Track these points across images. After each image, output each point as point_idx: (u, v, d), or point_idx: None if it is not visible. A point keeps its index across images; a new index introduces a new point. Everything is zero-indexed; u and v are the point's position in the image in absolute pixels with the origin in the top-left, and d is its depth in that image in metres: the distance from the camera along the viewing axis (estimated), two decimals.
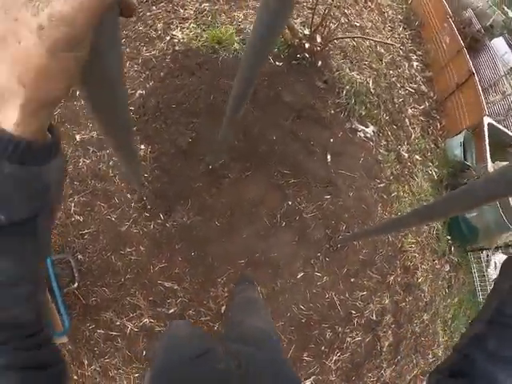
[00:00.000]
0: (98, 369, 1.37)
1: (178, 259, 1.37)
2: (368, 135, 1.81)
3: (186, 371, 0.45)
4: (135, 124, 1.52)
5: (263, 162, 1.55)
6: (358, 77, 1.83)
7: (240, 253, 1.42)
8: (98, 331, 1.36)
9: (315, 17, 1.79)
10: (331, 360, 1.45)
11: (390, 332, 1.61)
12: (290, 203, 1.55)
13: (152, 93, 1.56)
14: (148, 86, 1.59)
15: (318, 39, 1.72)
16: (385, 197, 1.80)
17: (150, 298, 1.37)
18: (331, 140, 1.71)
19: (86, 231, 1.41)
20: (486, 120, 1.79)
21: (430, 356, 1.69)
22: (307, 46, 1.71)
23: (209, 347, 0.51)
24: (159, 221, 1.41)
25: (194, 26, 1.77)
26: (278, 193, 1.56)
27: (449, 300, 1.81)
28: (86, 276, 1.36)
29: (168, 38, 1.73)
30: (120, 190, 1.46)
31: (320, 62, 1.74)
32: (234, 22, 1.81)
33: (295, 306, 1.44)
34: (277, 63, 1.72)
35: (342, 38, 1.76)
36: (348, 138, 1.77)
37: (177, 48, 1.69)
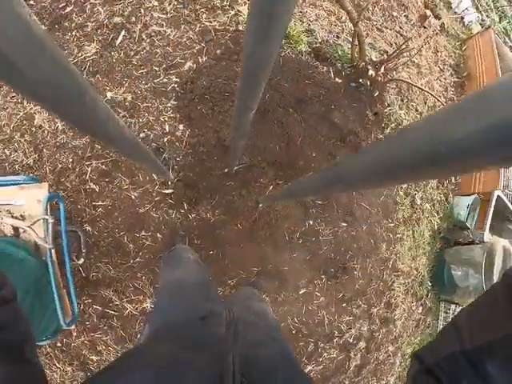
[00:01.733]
0: (86, 341, 1.33)
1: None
2: None
3: (192, 332, 0.44)
4: (178, 99, 1.38)
5: (296, 175, 1.53)
6: (404, 117, 1.84)
7: (255, 260, 1.43)
8: (94, 307, 1.31)
9: (384, 44, 1.73)
10: (306, 369, 1.58)
11: (359, 355, 1.78)
12: (310, 223, 1.57)
13: (204, 71, 1.42)
14: (201, 60, 1.44)
15: (382, 69, 1.68)
16: (391, 236, 1.91)
17: (157, 286, 1.33)
18: None
19: (100, 203, 1.30)
20: (496, 193, 1.94)
21: (384, 382, 1.91)
22: (370, 72, 1.66)
23: (212, 309, 0.51)
24: (182, 210, 1.35)
25: None
26: (302, 210, 1.57)
27: (412, 338, 2.03)
28: (91, 249, 1.28)
29: (233, 12, 1.55)
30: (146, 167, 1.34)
31: (376, 93, 1.71)
32: (305, 20, 1.68)
33: (290, 318, 1.52)
34: (337, 79, 1.65)
35: (406, 82, 1.73)
36: None
37: (240, 28, 1.53)
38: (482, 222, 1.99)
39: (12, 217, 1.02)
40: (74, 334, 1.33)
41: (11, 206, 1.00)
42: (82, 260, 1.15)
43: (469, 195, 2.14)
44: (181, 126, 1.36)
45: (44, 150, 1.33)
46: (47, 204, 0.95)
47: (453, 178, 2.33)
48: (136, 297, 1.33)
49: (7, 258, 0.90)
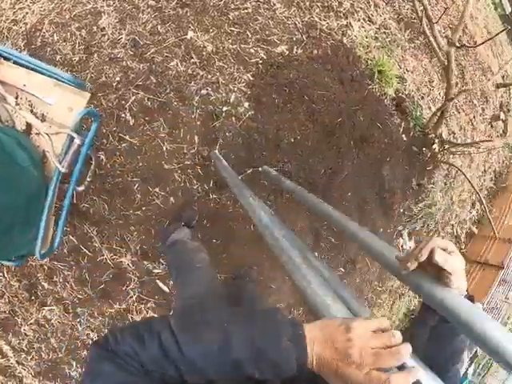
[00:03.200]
0: (45, 266, 1.20)
1: (198, 235, 1.22)
2: (404, 247, 1.87)
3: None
4: (256, 76, 1.26)
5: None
6: (440, 201, 1.85)
7: (251, 264, 1.34)
8: (70, 237, 1.17)
9: (455, 125, 1.73)
10: None
11: None
12: (315, 254, 1.52)
13: (295, 63, 1.32)
14: (295, 51, 1.34)
15: (446, 146, 1.67)
16: (373, 299, 1.91)
17: (144, 247, 1.20)
18: (381, 230, 1.71)
19: (128, 139, 1.15)
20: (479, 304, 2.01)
21: None
22: (435, 147, 1.64)
23: None
24: (206, 187, 1.24)
25: (373, 34, 1.53)
26: (312, 238, 1.51)
27: None
28: (95, 180, 1.13)
29: (344, 22, 1.47)
30: (193, 125, 1.21)
31: (430, 167, 1.70)
32: (403, 66, 1.63)
33: None
34: (403, 136, 1.61)
35: (462, 172, 1.73)
36: (390, 238, 1.80)
37: (344, 40, 1.45)
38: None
39: (31, 112, 0.85)
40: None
41: (37, 99, 0.83)
42: (83, 188, 1.00)
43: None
44: (246, 104, 1.24)
45: (95, 55, 1.15)
46: (80, 119, 0.78)
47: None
48: (118, 247, 1.19)
49: (9, 154, 0.74)
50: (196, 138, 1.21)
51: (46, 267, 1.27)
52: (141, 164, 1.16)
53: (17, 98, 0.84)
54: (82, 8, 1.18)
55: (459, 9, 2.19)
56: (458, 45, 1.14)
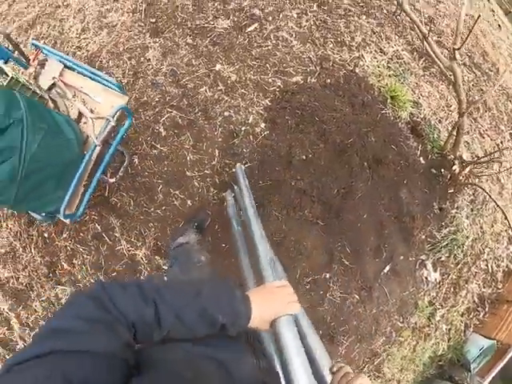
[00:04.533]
0: (68, 248, 1.35)
1: (208, 238, 1.29)
2: (429, 278, 1.71)
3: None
4: (273, 101, 1.42)
5: (339, 225, 1.45)
6: (467, 228, 1.72)
7: None
8: (96, 225, 1.32)
9: (480, 149, 1.67)
10: None
11: None
12: (327, 276, 1.47)
13: (308, 90, 1.46)
14: (309, 80, 1.49)
15: (467, 169, 1.60)
16: (393, 335, 1.72)
17: (158, 243, 1.30)
18: (401, 257, 1.60)
19: (158, 147, 1.33)
20: None
21: None
22: (455, 168, 1.59)
23: None
24: (221, 195, 1.33)
25: (385, 64, 1.64)
26: (327, 259, 1.47)
27: None
28: (126, 178, 1.30)
29: (356, 54, 1.61)
30: (214, 141, 1.37)
31: (452, 190, 1.62)
32: (417, 92, 1.68)
33: None
34: (421, 159, 1.60)
35: (486, 193, 1.63)
36: (412, 267, 1.67)
37: (356, 70, 1.57)
38: (487, 372, 1.72)
39: (84, 105, 1.08)
40: (64, 235, 1.35)
41: (89, 98, 1.07)
42: (113, 180, 1.17)
43: (488, 338, 1.88)
44: (262, 125, 1.38)
45: (140, 79, 1.42)
46: (117, 112, 1.00)
47: (481, 313, 2.09)
48: (135, 240, 1.31)
49: (60, 126, 0.96)
50: (217, 151, 1.35)
51: (69, 248, 1.42)
52: (166, 169, 1.32)
53: (74, 95, 1.09)
54: (134, 43, 1.48)
55: (478, 39, 2.25)
56: (459, 60, 1.18)
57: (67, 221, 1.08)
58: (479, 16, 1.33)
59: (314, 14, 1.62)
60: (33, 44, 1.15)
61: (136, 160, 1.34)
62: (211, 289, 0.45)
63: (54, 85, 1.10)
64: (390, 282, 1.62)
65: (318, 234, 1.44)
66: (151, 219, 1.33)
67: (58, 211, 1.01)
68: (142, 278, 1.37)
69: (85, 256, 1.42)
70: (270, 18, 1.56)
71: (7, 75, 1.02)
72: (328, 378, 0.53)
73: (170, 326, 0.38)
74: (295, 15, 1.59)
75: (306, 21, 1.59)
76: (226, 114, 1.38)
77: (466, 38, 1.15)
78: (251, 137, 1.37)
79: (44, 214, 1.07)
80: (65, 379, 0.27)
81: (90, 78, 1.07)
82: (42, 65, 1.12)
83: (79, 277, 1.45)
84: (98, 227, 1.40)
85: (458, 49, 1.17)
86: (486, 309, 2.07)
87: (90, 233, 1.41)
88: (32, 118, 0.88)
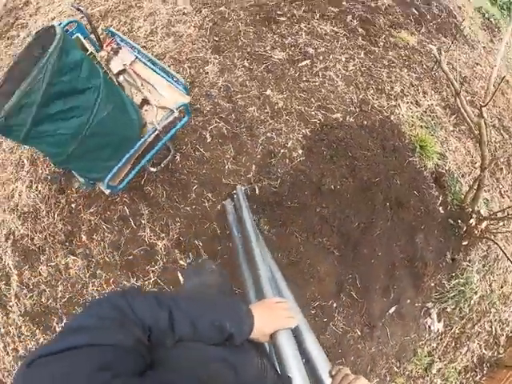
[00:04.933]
0: (92, 221, 1.46)
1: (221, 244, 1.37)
2: (432, 328, 1.71)
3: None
4: (312, 131, 1.54)
5: (354, 258, 1.51)
6: (476, 284, 1.74)
7: None
8: (125, 208, 1.41)
9: (498, 208, 1.73)
10: None
11: None
12: (334, 305, 1.50)
13: (345, 127, 1.58)
14: (348, 119, 1.61)
15: (484, 224, 1.65)
16: (387, 378, 1.70)
17: (180, 238, 1.37)
18: (408, 301, 1.63)
19: (201, 151, 1.46)
20: None
21: None
22: (472, 221, 1.64)
23: None
24: (249, 203, 1.41)
25: (419, 115, 1.76)
26: (336, 289, 1.51)
27: None
28: (165, 171, 1.42)
29: (394, 103, 1.74)
30: (253, 157, 1.48)
31: (466, 242, 1.67)
32: (445, 145, 1.79)
33: None
34: (440, 208, 1.67)
35: (499, 247, 1.68)
36: (417, 313, 1.68)
37: (391, 117, 1.70)
38: None
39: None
40: (92, 209, 1.46)
41: (154, 90, 1.20)
42: (154, 170, 1.27)
43: None
44: (300, 151, 1.49)
45: (196, 88, 1.57)
46: (180, 107, 1.12)
47: (479, 375, 2.04)
48: (159, 231, 1.39)
49: (126, 106, 1.06)
50: (254, 167, 1.45)
51: (92, 223, 1.50)
52: (204, 172, 1.43)
53: (142, 84, 1.22)
54: (196, 54, 1.66)
55: (510, 103, 2.37)
56: (489, 121, 1.27)
57: (107, 191, 1.16)
58: (504, 77, 1.45)
59: (360, 60, 1.78)
60: (109, 31, 1.29)
61: (178, 157, 1.46)
62: (220, 301, 0.53)
63: (122, 71, 1.23)
64: (394, 324, 1.63)
65: (332, 263, 1.49)
66: (180, 214, 1.42)
67: (101, 179, 1.10)
68: (155, 267, 1.43)
69: (106, 234, 1.50)
70: (321, 58, 1.73)
71: (86, 50, 1.13)
72: (328, 381, 0.54)
73: (184, 333, 0.41)
74: (344, 59, 1.76)
75: (353, 65, 1.74)
76: (269, 134, 1.50)
77: (493, 95, 1.24)
78: (287, 160, 1.47)
79: (87, 179, 1.15)
80: (91, 367, 0.29)
81: (158, 73, 1.19)
82: (115, 52, 1.26)
83: (95, 252, 1.51)
84: (127, 210, 1.49)
85: (485, 105, 1.26)
86: (484, 371, 2.02)
87: (118, 214, 1.50)
88: (106, 90, 0.98)
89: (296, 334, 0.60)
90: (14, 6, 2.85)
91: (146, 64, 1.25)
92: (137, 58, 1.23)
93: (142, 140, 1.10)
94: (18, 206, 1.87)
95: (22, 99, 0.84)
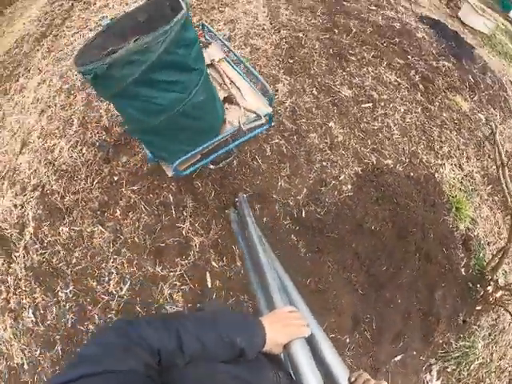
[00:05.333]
0: (132, 199, 1.52)
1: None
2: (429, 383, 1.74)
3: None
4: (363, 171, 1.61)
5: (376, 301, 1.55)
6: (480, 349, 1.79)
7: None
8: (169, 196, 1.48)
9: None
10: None
11: None
12: (347, 340, 1.53)
13: (394, 174, 1.66)
14: (397, 167, 1.69)
15: (499, 293, 1.72)
16: None
17: (219, 240, 1.43)
18: (414, 352, 1.67)
19: (259, 162, 1.55)
20: None
21: None
22: (489, 288, 1.71)
23: None
24: (292, 226, 1.47)
25: (460, 178, 1.86)
26: (353, 325, 1.54)
27: None
28: (218, 173, 1.49)
29: (440, 161, 1.83)
30: (306, 181, 1.54)
31: (479, 307, 1.73)
32: (477, 212, 1.88)
33: None
34: (462, 269, 1.74)
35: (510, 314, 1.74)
36: (420, 366, 1.72)
37: (435, 174, 1.79)
38: None
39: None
40: (135, 187, 1.50)
41: (239, 93, 1.24)
42: (212, 167, 1.33)
43: None
44: (349, 186, 1.56)
45: None
46: (266, 115, 1.17)
47: None
48: (199, 227, 1.44)
49: (215, 99, 1.10)
50: (305, 190, 1.52)
51: (132, 200, 1.51)
52: (257, 183, 1.48)
53: (230, 83, 1.24)
54: (269, 70, 1.78)
55: None
56: None
57: (170, 173, 1.17)
58: None
59: (416, 115, 1.89)
60: (203, 24, 1.33)
61: (235, 162, 1.51)
62: (227, 316, 0.51)
63: (209, 66, 1.25)
64: (396, 372, 1.66)
65: (355, 300, 1.53)
66: (224, 217, 1.45)
67: (169, 160, 1.11)
68: (185, 262, 1.44)
69: (143, 215, 1.51)
70: (383, 104, 1.83)
71: None
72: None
73: (193, 352, 0.41)
74: (402, 110, 1.86)
75: (410, 118, 1.85)
76: (324, 164, 1.57)
77: None
78: (336, 192, 1.54)
79: (154, 155, 1.14)
80: None
81: (244, 77, 1.23)
82: (204, 46, 1.32)
83: (125, 230, 1.51)
84: (171, 198, 1.51)
85: None
86: None
87: (160, 199, 1.52)
88: (205, 77, 1.00)
89: (312, 342, 0.58)
90: None
91: (232, 66, 1.30)
92: (225, 57, 1.27)
93: (224, 135, 1.13)
94: (55, 161, 1.86)
95: (133, 55, 0.81)
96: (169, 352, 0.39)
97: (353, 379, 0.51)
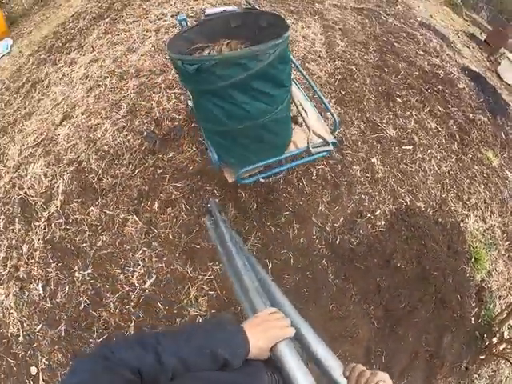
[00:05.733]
0: (173, 196, 1.54)
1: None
2: None
3: None
4: (396, 207, 1.69)
5: (389, 336, 1.61)
6: None
7: None
8: (210, 200, 1.48)
9: None
10: None
11: None
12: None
13: (424, 217, 1.74)
14: (427, 210, 1.78)
15: (502, 346, 1.79)
16: None
17: (254, 253, 1.39)
18: None
19: (304, 184, 1.63)
20: None
21: None
22: (494, 340, 1.78)
23: None
24: (325, 251, 1.53)
25: (482, 231, 1.95)
26: (364, 356, 1.58)
27: None
28: (264, 186, 1.55)
29: (466, 212, 1.92)
30: (344, 210, 1.62)
31: (482, 357, 1.80)
32: (494, 265, 1.96)
33: None
34: (472, 318, 1.81)
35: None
36: None
37: (460, 224, 1.87)
38: None
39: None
40: (178, 184, 1.52)
41: (306, 114, 1.28)
42: (263, 180, 1.33)
43: None
44: (383, 222, 1.65)
45: None
46: (332, 142, 1.23)
47: None
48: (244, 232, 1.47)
49: (288, 119, 1.16)
50: (342, 219, 1.59)
51: (173, 196, 1.51)
52: (300, 203, 1.56)
53: (300, 104, 1.27)
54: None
55: None
56: None
57: (232, 178, 1.21)
58: None
59: (451, 164, 1.98)
60: None
61: (282, 180, 1.58)
62: (207, 327, 0.50)
63: None
64: None
65: (370, 332, 1.60)
66: (262, 230, 1.51)
67: (234, 166, 1.16)
68: (217, 267, 1.47)
69: (182, 213, 1.53)
70: (422, 149, 1.92)
71: None
72: (343, 381, 0.50)
73: (174, 366, 0.41)
74: (438, 157, 1.96)
75: (445, 166, 1.94)
76: (363, 196, 1.65)
77: None
78: (370, 225, 1.62)
79: (219, 158, 1.16)
80: None
81: (309, 102, 1.30)
82: None
83: (161, 224, 1.51)
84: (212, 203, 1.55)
85: None
86: None
87: (202, 200, 1.54)
88: (290, 96, 1.06)
89: (301, 340, 0.57)
90: None
91: (299, 87, 1.36)
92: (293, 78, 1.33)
93: (291, 153, 1.18)
94: (98, 141, 1.87)
95: (243, 59, 0.84)
96: (149, 369, 0.40)
97: (347, 373, 0.49)
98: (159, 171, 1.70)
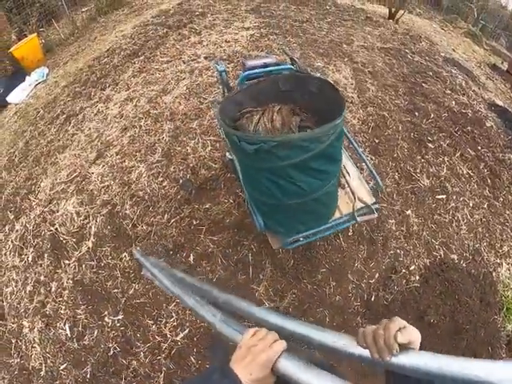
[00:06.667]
0: (210, 249, 1.58)
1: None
2: None
3: None
4: (430, 262, 1.73)
5: None
6: None
7: None
8: (248, 254, 1.57)
9: None
10: None
11: None
12: None
13: (457, 270, 1.77)
14: (461, 262, 1.80)
15: None
16: None
17: (290, 311, 1.49)
18: None
19: (340, 241, 1.66)
20: None
21: None
22: None
23: None
24: (360, 309, 1.58)
25: None
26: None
27: None
28: (303, 245, 1.59)
29: (498, 260, 1.94)
30: (380, 266, 1.66)
31: None
32: None
33: None
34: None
35: None
36: None
37: (493, 273, 1.89)
38: None
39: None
40: (215, 237, 1.57)
41: (349, 176, 1.32)
42: (305, 241, 1.38)
43: None
44: (417, 277, 1.69)
45: None
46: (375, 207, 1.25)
47: None
48: (272, 294, 1.50)
49: (335, 187, 1.19)
50: (377, 275, 1.64)
51: (210, 250, 1.52)
52: (336, 260, 1.61)
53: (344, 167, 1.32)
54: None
55: None
56: None
57: (277, 245, 1.24)
58: None
59: (483, 211, 2.00)
60: None
61: (319, 239, 1.63)
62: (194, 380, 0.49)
63: None
64: None
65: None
66: (299, 288, 1.57)
67: (282, 234, 1.18)
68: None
69: (218, 268, 1.56)
70: (455, 197, 1.94)
71: None
72: (358, 350, 0.45)
73: None
74: (471, 204, 1.97)
75: (477, 214, 1.96)
76: (398, 251, 1.69)
77: None
78: (405, 281, 1.66)
79: (265, 227, 1.16)
80: None
81: (352, 163, 1.33)
82: None
83: (199, 269, 1.51)
84: (250, 257, 1.59)
85: None
86: None
87: (239, 255, 1.57)
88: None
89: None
90: (189, 9, 3.07)
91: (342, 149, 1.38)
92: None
93: (337, 223, 1.20)
94: (132, 184, 1.91)
95: (304, 142, 0.84)
96: None
97: (362, 341, 0.44)
98: (195, 222, 1.71)
